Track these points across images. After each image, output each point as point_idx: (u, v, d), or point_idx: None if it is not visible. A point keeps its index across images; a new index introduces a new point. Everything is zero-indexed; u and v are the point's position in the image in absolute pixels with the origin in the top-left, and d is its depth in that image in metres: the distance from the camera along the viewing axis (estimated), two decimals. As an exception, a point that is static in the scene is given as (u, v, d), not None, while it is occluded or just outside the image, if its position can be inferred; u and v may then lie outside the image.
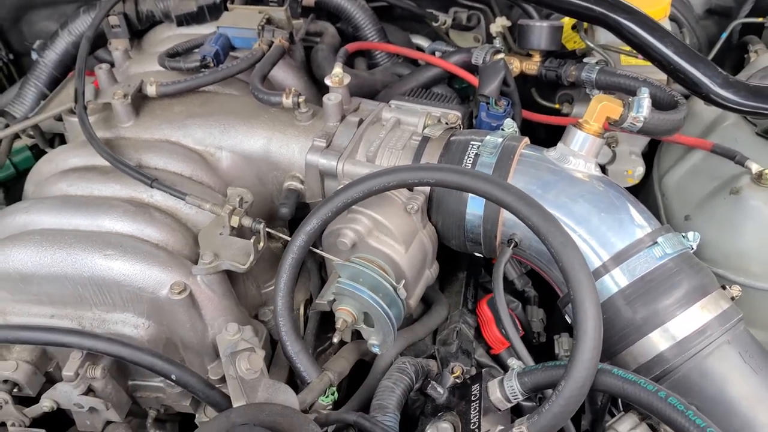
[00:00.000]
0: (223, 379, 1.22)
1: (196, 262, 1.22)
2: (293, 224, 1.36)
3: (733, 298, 1.18)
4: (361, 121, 1.41)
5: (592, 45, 1.66)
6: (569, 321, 1.23)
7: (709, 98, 1.28)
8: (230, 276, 1.27)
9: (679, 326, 1.12)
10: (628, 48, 1.43)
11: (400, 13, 2.13)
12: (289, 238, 1.22)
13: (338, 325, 1.19)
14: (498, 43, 1.80)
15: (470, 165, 1.27)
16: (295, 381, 1.24)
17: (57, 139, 1.79)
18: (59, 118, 1.56)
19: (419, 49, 2.04)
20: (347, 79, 1.44)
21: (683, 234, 1.20)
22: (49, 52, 1.82)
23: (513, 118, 1.51)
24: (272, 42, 1.57)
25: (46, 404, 1.21)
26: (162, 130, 1.46)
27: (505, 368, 1.33)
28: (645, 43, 1.32)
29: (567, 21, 1.75)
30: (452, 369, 1.18)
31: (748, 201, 1.38)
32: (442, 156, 1.31)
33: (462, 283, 1.51)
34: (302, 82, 1.69)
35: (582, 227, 1.17)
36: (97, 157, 1.35)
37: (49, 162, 1.45)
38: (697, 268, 1.17)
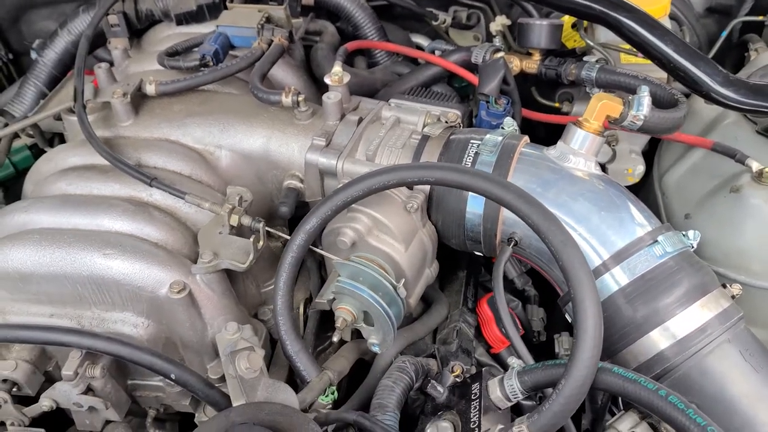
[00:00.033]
0: (222, 379, 1.22)
1: (195, 261, 1.22)
2: (293, 223, 1.36)
3: (733, 297, 1.17)
4: (360, 120, 1.41)
5: (592, 43, 1.66)
6: (569, 320, 1.23)
7: (709, 96, 1.28)
8: (230, 275, 1.27)
9: (680, 325, 1.11)
10: (628, 46, 1.43)
11: (399, 11, 2.13)
12: (288, 237, 1.22)
13: (338, 324, 1.19)
14: (498, 41, 1.79)
15: (470, 163, 1.27)
16: (294, 380, 1.23)
17: (56, 139, 1.79)
18: (58, 117, 1.56)
19: (419, 47, 2.04)
20: (347, 78, 1.44)
21: (684, 232, 1.20)
22: (48, 52, 1.82)
23: (513, 117, 1.50)
24: (272, 41, 1.56)
25: (45, 403, 1.21)
26: (161, 129, 1.46)
27: (505, 367, 1.33)
28: (645, 42, 1.31)
29: (567, 19, 1.75)
30: (452, 368, 1.18)
31: (748, 199, 1.38)
32: (441, 155, 1.31)
33: (462, 282, 1.51)
34: (302, 80, 1.69)
35: (582, 226, 1.17)
36: (97, 156, 1.35)
37: (48, 161, 1.45)
38: (697, 266, 1.17)
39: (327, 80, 1.44)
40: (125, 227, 1.26)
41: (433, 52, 1.86)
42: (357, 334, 1.26)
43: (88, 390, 1.21)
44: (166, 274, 1.20)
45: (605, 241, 1.16)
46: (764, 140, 1.47)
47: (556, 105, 1.79)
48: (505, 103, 1.54)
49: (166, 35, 1.74)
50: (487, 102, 1.52)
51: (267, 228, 1.27)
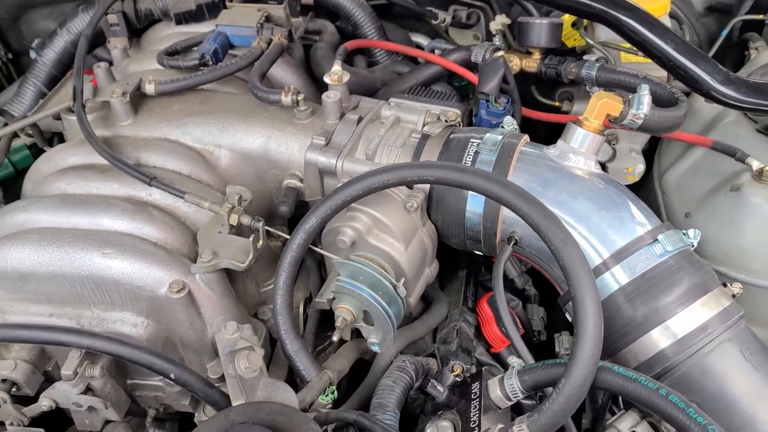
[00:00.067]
0: (222, 378, 1.22)
1: (194, 261, 1.22)
2: (292, 222, 1.36)
3: (734, 296, 1.17)
4: (360, 119, 1.40)
5: (592, 42, 1.66)
6: (570, 319, 1.22)
7: (709, 95, 1.28)
8: (229, 274, 1.27)
9: (680, 324, 1.11)
10: (628, 45, 1.43)
11: (399, 11, 2.13)
12: (288, 237, 1.21)
13: (338, 323, 1.19)
14: (498, 40, 1.79)
15: (470, 162, 1.27)
16: (294, 380, 1.23)
17: (56, 138, 1.79)
18: (58, 117, 1.56)
19: (419, 47, 2.04)
20: (346, 77, 1.44)
21: (684, 231, 1.19)
22: (47, 51, 1.81)
23: (513, 116, 1.50)
24: (271, 40, 1.56)
25: (44, 403, 1.21)
26: (161, 128, 1.46)
27: (505, 366, 1.33)
28: (645, 40, 1.31)
29: (567, 18, 1.75)
30: (452, 367, 1.17)
31: (748, 198, 1.38)
32: (441, 153, 1.31)
33: (462, 281, 1.51)
34: (301, 80, 1.69)
35: (582, 225, 1.17)
36: (96, 155, 1.35)
37: (47, 160, 1.45)
38: (697, 265, 1.16)
39: (326, 79, 1.44)
40: (124, 227, 1.26)
41: (432, 51, 1.86)
42: (357, 334, 1.26)
43: (88, 390, 1.21)
44: (166, 273, 1.19)
45: (605, 240, 1.16)
46: (764, 139, 1.47)
47: (556, 104, 1.79)
48: (505, 102, 1.54)
49: (166, 34, 1.73)
50: (487, 101, 1.52)
51: (266, 227, 1.27)
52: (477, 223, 1.26)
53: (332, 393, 1.15)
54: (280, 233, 1.39)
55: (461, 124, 1.44)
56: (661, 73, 1.52)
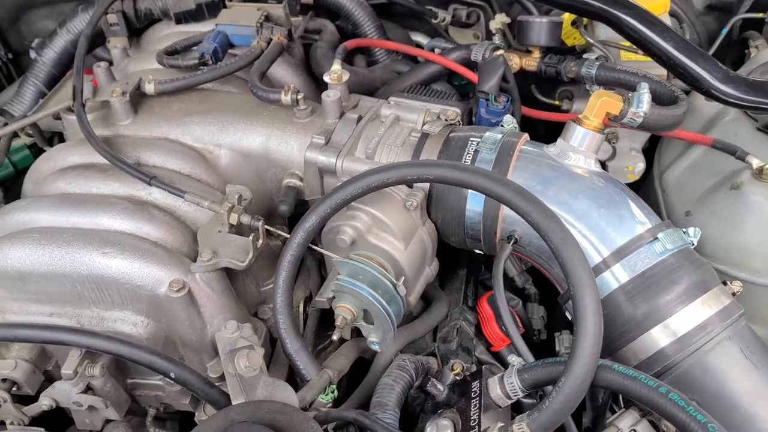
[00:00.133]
0: (222, 377, 1.22)
1: (194, 260, 1.22)
2: (292, 221, 1.35)
3: (734, 294, 1.17)
4: (360, 118, 1.40)
5: (591, 41, 1.66)
6: (570, 318, 1.22)
7: (709, 93, 1.28)
8: (229, 273, 1.27)
9: (680, 322, 1.11)
10: (627, 43, 1.42)
11: (399, 10, 2.12)
12: (288, 236, 1.21)
13: (338, 322, 1.19)
14: (497, 39, 1.79)
15: (470, 161, 1.27)
16: (294, 379, 1.23)
17: (56, 138, 1.79)
18: (58, 117, 1.56)
19: (418, 46, 2.04)
20: (346, 76, 1.44)
21: (684, 230, 1.19)
22: (47, 51, 1.81)
23: (512, 115, 1.50)
24: (271, 39, 1.56)
25: (45, 403, 1.21)
26: (160, 127, 1.46)
27: (505, 365, 1.33)
28: (645, 39, 1.31)
29: (566, 17, 1.75)
30: (452, 366, 1.18)
31: (749, 196, 1.38)
32: (441, 152, 1.31)
33: (462, 280, 1.51)
34: (301, 79, 1.69)
35: (582, 223, 1.17)
36: (96, 155, 1.35)
37: (47, 160, 1.45)
38: (697, 263, 1.16)
39: (326, 78, 1.44)
40: (124, 226, 1.26)
41: (432, 50, 1.86)
42: (357, 333, 1.26)
43: (88, 389, 1.21)
44: (166, 272, 1.19)
45: (605, 238, 1.16)
46: (764, 137, 1.46)
47: (556, 102, 1.79)
48: (505, 100, 1.53)
49: (165, 34, 1.73)
50: (487, 100, 1.52)
51: (266, 226, 1.27)
52: (477, 221, 1.26)
53: (332, 392, 1.15)
54: (280, 232, 1.39)
55: (461, 122, 1.44)
56: (660, 72, 1.51)
